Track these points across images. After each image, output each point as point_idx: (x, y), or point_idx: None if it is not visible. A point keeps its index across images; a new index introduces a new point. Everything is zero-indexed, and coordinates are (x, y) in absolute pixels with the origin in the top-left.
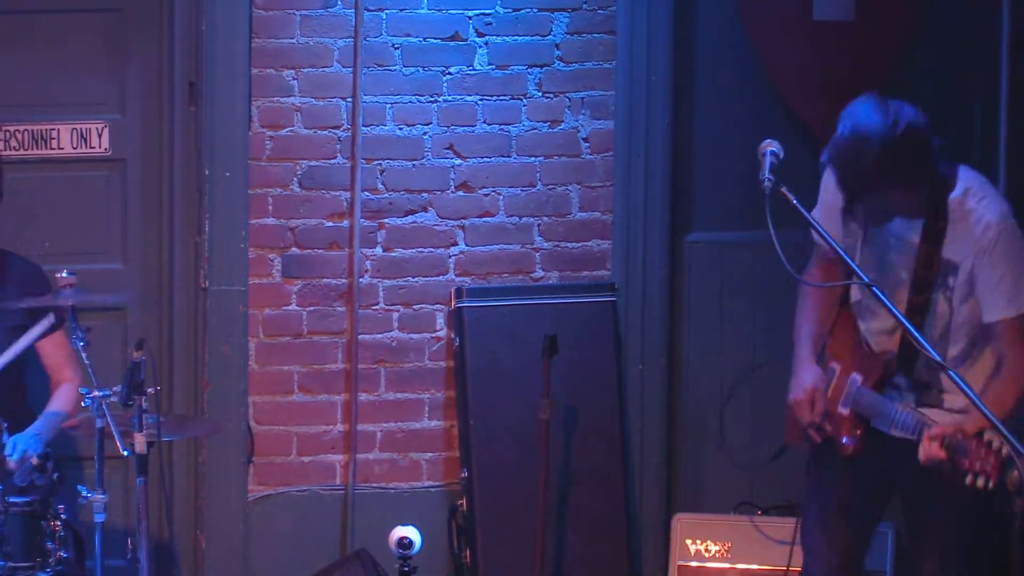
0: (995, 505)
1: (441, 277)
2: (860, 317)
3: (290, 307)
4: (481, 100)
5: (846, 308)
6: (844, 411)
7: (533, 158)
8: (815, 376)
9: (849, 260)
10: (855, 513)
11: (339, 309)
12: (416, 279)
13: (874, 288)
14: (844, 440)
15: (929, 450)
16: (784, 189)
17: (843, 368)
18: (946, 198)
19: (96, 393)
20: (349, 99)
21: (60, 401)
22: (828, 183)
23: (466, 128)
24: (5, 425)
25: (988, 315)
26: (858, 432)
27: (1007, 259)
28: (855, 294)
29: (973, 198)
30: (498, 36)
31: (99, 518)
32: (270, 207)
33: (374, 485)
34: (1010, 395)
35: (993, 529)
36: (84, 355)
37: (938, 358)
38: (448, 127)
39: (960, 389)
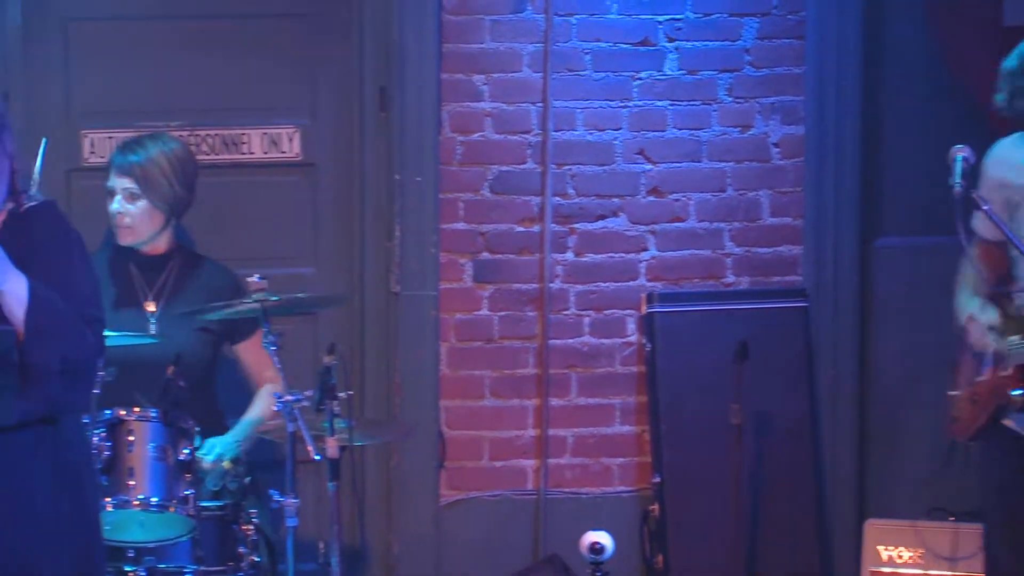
0: None
1: (632, 282)
2: None
3: (481, 312)
4: (671, 105)
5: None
6: (1007, 372)
7: (723, 163)
8: None
9: None
10: None
11: (530, 314)
12: (607, 284)
13: None
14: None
15: None
16: (976, 195)
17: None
18: None
19: (288, 397)
20: (539, 104)
21: (259, 407)
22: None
23: (656, 133)
24: (197, 428)
25: None
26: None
27: None
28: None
29: None
30: (688, 41)
31: (291, 522)
32: (461, 212)
33: (565, 490)
34: None
35: None
36: (276, 359)
37: None
38: (638, 132)
39: None
